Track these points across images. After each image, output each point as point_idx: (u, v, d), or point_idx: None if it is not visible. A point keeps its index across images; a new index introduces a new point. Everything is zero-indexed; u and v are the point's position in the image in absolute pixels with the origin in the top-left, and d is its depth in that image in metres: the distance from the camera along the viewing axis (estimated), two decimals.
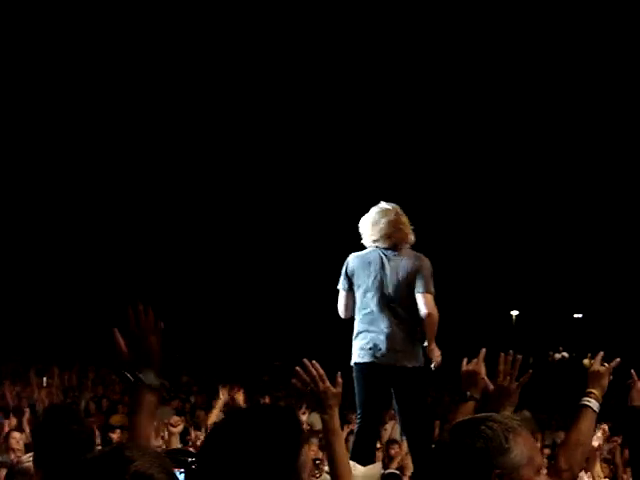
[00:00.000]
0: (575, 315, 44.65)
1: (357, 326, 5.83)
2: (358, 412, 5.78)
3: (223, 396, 8.21)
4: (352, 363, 5.81)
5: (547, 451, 8.99)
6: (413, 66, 31.75)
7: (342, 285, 5.95)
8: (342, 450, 3.18)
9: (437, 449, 2.27)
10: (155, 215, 30.60)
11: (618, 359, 3.40)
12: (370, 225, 5.91)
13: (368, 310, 5.80)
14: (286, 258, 31.42)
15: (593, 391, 3.17)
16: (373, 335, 5.73)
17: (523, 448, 2.10)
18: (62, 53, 28.59)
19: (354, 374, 5.79)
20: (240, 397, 8.26)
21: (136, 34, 29.03)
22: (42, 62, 28.60)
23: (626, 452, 8.54)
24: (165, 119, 30.88)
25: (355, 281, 5.87)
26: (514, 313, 44.88)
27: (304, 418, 11.66)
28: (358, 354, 5.79)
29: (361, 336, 5.79)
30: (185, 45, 30.08)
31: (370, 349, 5.72)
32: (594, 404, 3.05)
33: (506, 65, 32.29)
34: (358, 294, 5.87)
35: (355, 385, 5.78)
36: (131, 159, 30.30)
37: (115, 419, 11.85)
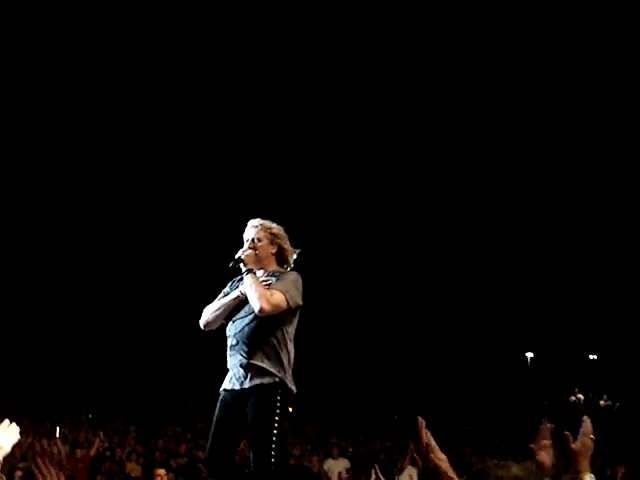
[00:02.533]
0: (590, 356, 44.32)
1: (292, 353, 4.93)
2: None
3: None
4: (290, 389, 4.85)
5: None
6: (402, 66, 31.70)
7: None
8: None
9: None
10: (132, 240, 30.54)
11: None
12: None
13: None
14: None
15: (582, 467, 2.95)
16: None
17: None
18: (62, 53, 28.60)
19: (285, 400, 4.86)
20: None
21: (136, 34, 29.06)
22: (42, 62, 28.62)
23: None
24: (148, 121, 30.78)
25: None
26: (529, 355, 44.54)
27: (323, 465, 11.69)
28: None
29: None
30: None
31: None
32: (592, 476, 2.91)
33: (490, 65, 32.25)
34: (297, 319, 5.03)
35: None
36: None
37: (130, 467, 11.83)
